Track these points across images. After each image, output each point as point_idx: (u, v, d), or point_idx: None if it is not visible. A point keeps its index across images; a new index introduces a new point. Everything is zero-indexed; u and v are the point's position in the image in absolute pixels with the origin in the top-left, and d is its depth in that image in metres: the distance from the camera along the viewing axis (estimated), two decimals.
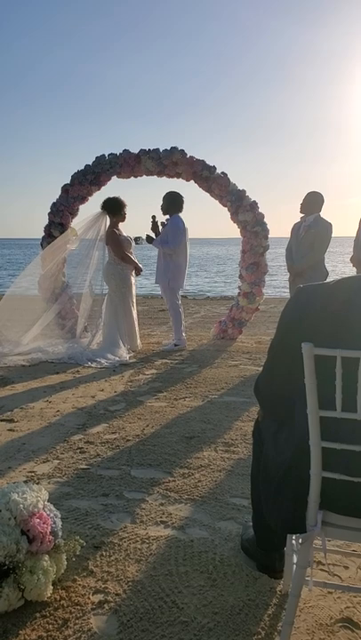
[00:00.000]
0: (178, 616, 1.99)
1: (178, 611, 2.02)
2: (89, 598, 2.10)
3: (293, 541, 2.04)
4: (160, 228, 7.09)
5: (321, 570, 2.30)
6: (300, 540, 1.82)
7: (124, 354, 6.57)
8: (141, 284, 14.78)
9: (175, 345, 7.06)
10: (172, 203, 7.02)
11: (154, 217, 7.08)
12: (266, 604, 2.08)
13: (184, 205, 7.08)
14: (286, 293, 11.06)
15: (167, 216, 7.07)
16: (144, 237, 7.25)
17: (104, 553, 2.41)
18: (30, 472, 3.28)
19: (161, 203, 7.07)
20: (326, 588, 2.15)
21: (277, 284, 18.52)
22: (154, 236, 7.06)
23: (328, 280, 1.84)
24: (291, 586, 1.84)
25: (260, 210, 7.28)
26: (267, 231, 7.31)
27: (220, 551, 2.42)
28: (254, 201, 7.28)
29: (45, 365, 6.22)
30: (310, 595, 2.14)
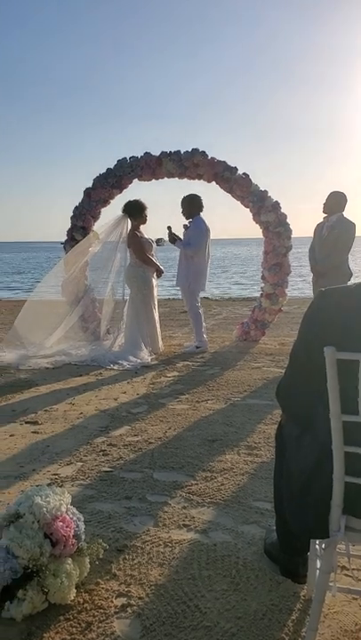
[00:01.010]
0: (201, 620, 1.99)
1: (201, 615, 2.02)
2: (112, 602, 2.11)
3: (317, 546, 2.02)
4: (183, 231, 7.10)
5: (345, 575, 2.28)
6: (323, 545, 1.80)
7: (145, 356, 6.58)
8: (163, 286, 14.83)
9: (197, 347, 7.06)
10: (192, 205, 7.04)
11: (170, 228, 7.09)
12: (289, 609, 2.06)
13: (204, 205, 7.08)
14: (309, 293, 10.98)
15: (190, 219, 7.07)
16: (166, 238, 7.26)
17: (127, 556, 2.41)
18: (54, 474, 3.31)
19: (181, 208, 7.09)
20: (351, 594, 2.12)
21: (301, 285, 18.39)
22: (176, 239, 7.05)
23: (351, 282, 1.82)
24: (314, 591, 1.83)
25: (282, 210, 7.24)
26: (289, 232, 7.27)
27: (244, 555, 2.41)
28: (276, 201, 7.25)
29: (69, 368, 6.26)
30: (335, 600, 2.11)
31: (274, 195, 7.31)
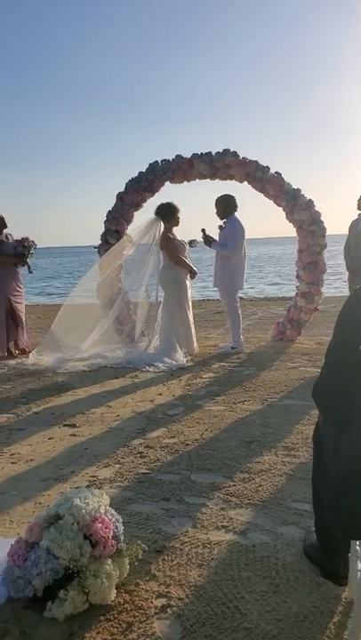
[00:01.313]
0: (241, 622, 1.98)
1: (241, 617, 2.01)
2: (152, 602, 2.12)
3: (358, 547, 1.99)
4: (218, 232, 7.10)
5: None
6: None
7: (181, 357, 6.60)
8: (196, 287, 14.84)
9: (232, 348, 7.04)
10: (227, 205, 7.04)
11: (203, 230, 7.09)
12: (331, 612, 2.04)
13: (238, 205, 7.07)
14: (346, 292, 10.84)
15: (225, 219, 7.07)
16: (198, 239, 7.27)
17: (166, 557, 2.42)
18: (92, 476, 3.34)
19: (215, 209, 7.09)
20: None
21: (338, 284, 18.12)
22: (211, 240, 7.05)
23: None
24: (356, 594, 1.80)
25: (315, 208, 7.17)
26: (324, 229, 7.18)
27: (283, 556, 2.39)
28: (310, 199, 7.18)
29: (105, 370, 6.32)
30: None
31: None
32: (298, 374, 5.75)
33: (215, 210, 7.12)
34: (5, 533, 2.66)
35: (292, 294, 8.24)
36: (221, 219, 7.12)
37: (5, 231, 7.35)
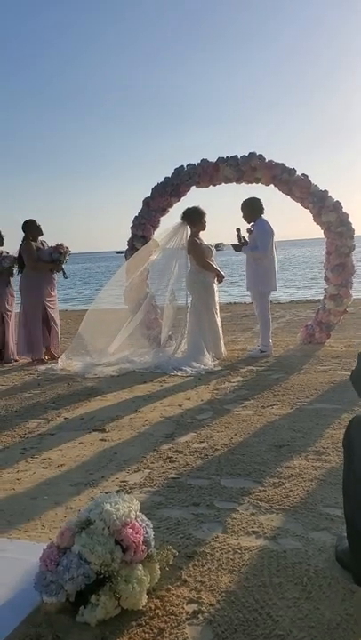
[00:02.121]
0: (273, 629, 1.96)
1: (273, 623, 1.99)
2: (183, 608, 2.11)
3: None
4: (247, 235, 7.09)
5: None
6: None
7: (208, 361, 6.59)
8: (224, 291, 14.79)
9: (261, 351, 7.00)
10: (253, 208, 7.03)
11: (238, 230, 7.10)
12: None
13: (264, 207, 7.05)
14: None
15: (252, 222, 7.05)
16: (225, 243, 7.27)
17: (197, 563, 2.41)
18: (122, 481, 3.36)
19: (241, 213, 7.09)
20: None
21: None
22: (241, 245, 7.05)
23: None
24: None
25: (343, 210, 7.10)
26: (352, 231, 7.12)
27: (315, 562, 2.36)
28: (338, 201, 7.11)
29: (133, 375, 6.35)
30: None
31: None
32: (327, 377, 5.69)
33: (242, 214, 7.11)
34: (37, 538, 2.69)
35: (321, 297, 8.17)
36: (248, 222, 7.10)
37: (40, 238, 7.52)
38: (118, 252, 8.09)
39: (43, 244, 7.52)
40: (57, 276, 7.73)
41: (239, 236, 7.10)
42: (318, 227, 7.31)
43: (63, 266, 7.58)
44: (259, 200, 7.06)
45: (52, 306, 7.55)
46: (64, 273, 7.70)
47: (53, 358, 7.41)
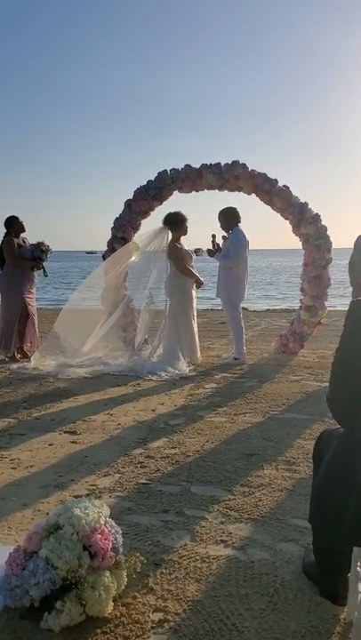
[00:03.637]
0: None
1: (238, 634, 1.99)
2: (149, 616, 2.10)
3: (358, 568, 1.98)
4: (222, 242, 7.12)
5: None
6: None
7: (183, 367, 6.59)
8: (201, 297, 14.82)
9: (235, 359, 7.03)
10: (229, 217, 7.07)
11: (213, 236, 7.14)
12: (329, 632, 2.02)
13: (241, 216, 7.10)
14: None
15: (229, 231, 7.09)
16: (204, 249, 7.29)
17: (164, 570, 2.40)
18: (92, 485, 3.33)
19: (218, 223, 7.12)
20: None
21: (340, 301, 18.06)
22: (215, 251, 7.09)
23: None
24: (356, 615, 1.79)
25: (322, 223, 7.17)
26: (329, 244, 7.18)
27: (282, 574, 2.37)
28: (317, 213, 7.17)
29: (107, 377, 6.31)
30: None
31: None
32: (300, 387, 5.73)
33: (219, 223, 7.14)
34: (4, 540, 2.65)
35: (296, 307, 8.23)
36: (225, 230, 7.14)
37: (22, 235, 7.44)
38: (88, 252, 8.02)
39: (24, 242, 7.44)
40: (36, 274, 7.65)
41: (213, 243, 7.14)
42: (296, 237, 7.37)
43: (44, 264, 7.52)
44: (235, 210, 7.10)
45: (31, 303, 7.49)
46: (44, 271, 7.64)
47: (25, 357, 7.31)
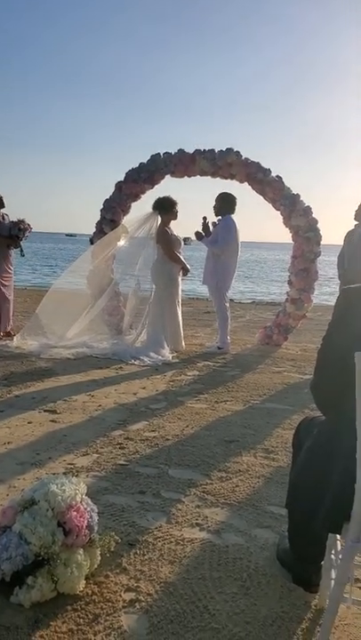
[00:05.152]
0: (209, 622, 1.96)
1: (209, 617, 1.99)
2: (120, 595, 2.09)
3: (332, 556, 1.98)
4: (211, 228, 7.08)
5: (359, 588, 2.23)
6: (339, 556, 1.76)
7: (167, 353, 6.57)
8: (187, 285, 14.80)
9: (219, 348, 7.02)
10: (225, 203, 7.02)
11: (205, 218, 7.10)
12: (299, 618, 2.02)
13: (237, 207, 7.06)
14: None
15: (219, 217, 7.05)
16: (193, 237, 7.25)
17: (138, 551, 2.39)
18: (70, 464, 3.31)
19: (213, 203, 7.07)
20: None
21: (326, 296, 18.19)
22: (203, 234, 7.05)
23: None
24: (328, 602, 1.79)
25: (313, 215, 7.16)
26: (319, 237, 7.17)
27: (256, 559, 2.37)
28: (308, 206, 7.16)
29: (90, 360, 6.28)
30: (346, 612, 2.07)
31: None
32: (281, 379, 5.75)
33: (214, 204, 7.09)
34: None
35: (282, 300, 8.24)
36: (216, 215, 7.10)
37: (2, 211, 7.26)
38: (68, 235, 7.86)
39: (4, 218, 7.26)
40: (13, 253, 7.48)
41: (205, 225, 7.08)
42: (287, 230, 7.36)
43: (21, 243, 7.38)
44: (233, 198, 7.06)
45: (5, 283, 7.29)
46: (21, 250, 7.50)
47: (8, 336, 7.22)
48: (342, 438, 1.76)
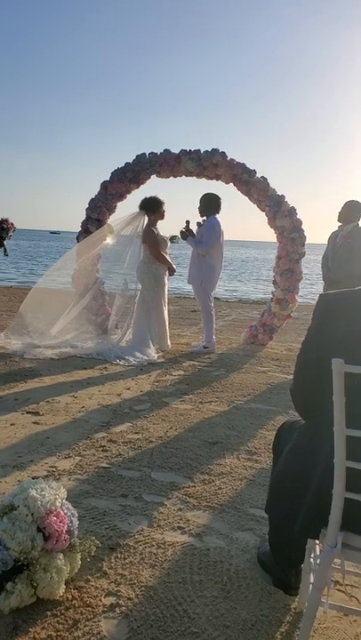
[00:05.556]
0: (189, 626, 1.96)
1: (189, 621, 1.99)
2: (101, 600, 2.09)
3: (311, 560, 1.99)
4: (196, 228, 7.09)
5: (338, 590, 2.24)
6: (318, 560, 1.77)
7: (152, 353, 6.56)
8: (174, 285, 14.79)
9: (204, 347, 7.03)
10: (210, 204, 7.03)
11: (188, 222, 7.10)
12: (279, 621, 2.03)
13: (221, 208, 7.07)
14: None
15: (204, 217, 7.06)
16: (180, 236, 7.25)
17: (119, 555, 2.39)
18: (52, 467, 3.29)
19: (198, 204, 7.08)
20: (342, 611, 2.09)
21: (311, 296, 18.28)
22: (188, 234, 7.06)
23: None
24: (306, 606, 1.80)
25: (298, 216, 7.19)
26: (304, 238, 7.21)
27: (236, 562, 2.38)
28: (293, 207, 7.19)
29: (74, 360, 6.25)
30: (325, 616, 2.08)
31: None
32: (266, 379, 5.77)
33: (198, 205, 7.10)
34: None
35: (267, 299, 8.27)
36: (201, 215, 7.11)
37: None
38: (52, 232, 7.79)
39: None
40: None
41: (187, 229, 7.08)
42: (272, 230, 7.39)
43: (5, 242, 7.34)
44: (218, 198, 7.07)
45: None
46: (5, 250, 7.46)
47: None
48: (321, 443, 1.77)
